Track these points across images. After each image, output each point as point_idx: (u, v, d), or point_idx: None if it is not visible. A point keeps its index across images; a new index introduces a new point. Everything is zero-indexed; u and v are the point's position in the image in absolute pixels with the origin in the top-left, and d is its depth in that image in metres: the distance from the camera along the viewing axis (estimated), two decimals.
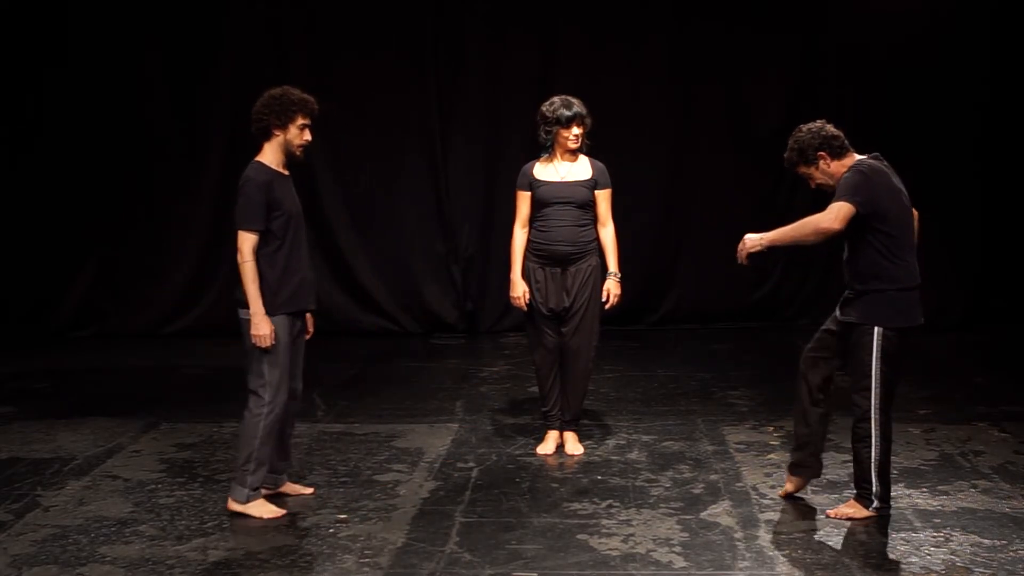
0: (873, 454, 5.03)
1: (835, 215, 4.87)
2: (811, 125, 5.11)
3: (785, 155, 5.15)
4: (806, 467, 5.34)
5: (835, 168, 5.05)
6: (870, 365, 4.97)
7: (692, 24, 9.59)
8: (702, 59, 9.60)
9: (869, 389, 4.99)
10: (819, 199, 5.22)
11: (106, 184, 9.60)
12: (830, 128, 5.08)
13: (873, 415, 5.00)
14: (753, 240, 5.10)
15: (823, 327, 5.24)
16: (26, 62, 9.48)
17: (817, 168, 5.08)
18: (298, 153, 5.21)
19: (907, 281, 4.97)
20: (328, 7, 9.56)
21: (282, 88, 5.22)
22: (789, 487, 5.40)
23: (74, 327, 9.76)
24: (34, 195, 9.61)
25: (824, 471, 5.75)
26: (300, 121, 5.16)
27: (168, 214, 9.66)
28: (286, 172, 5.24)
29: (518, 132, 9.03)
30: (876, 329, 4.95)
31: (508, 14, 9.57)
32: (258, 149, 5.22)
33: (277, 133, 5.16)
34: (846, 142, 5.08)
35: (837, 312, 5.14)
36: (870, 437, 5.02)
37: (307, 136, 5.21)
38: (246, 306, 5.10)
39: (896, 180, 5.03)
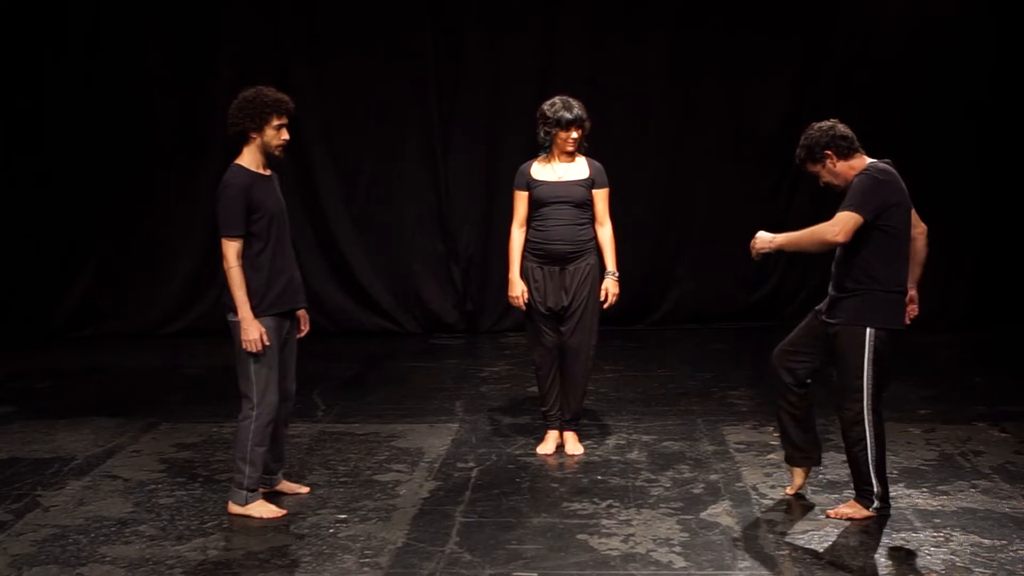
0: (870, 455, 5.03)
1: (840, 227, 4.86)
2: (822, 124, 5.10)
3: (796, 151, 5.16)
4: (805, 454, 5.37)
5: (841, 168, 5.04)
6: (862, 367, 4.97)
7: (693, 24, 9.57)
8: (702, 59, 9.59)
9: (861, 391, 4.98)
10: (819, 198, 5.21)
11: (106, 184, 9.60)
12: (841, 128, 5.06)
13: (866, 416, 5.00)
14: (764, 241, 5.09)
15: (801, 327, 5.25)
16: (26, 61, 9.47)
17: (824, 167, 5.08)
18: (277, 153, 5.19)
19: (895, 285, 4.98)
20: (328, 6, 9.56)
21: (255, 89, 5.18)
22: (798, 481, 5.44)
23: (74, 327, 9.75)
24: (34, 195, 9.60)
25: (824, 471, 5.76)
26: (276, 122, 5.13)
27: (168, 214, 9.66)
28: (267, 172, 5.22)
29: (518, 132, 9.02)
30: (868, 330, 4.96)
31: (508, 13, 9.56)
32: (237, 152, 5.20)
33: (254, 136, 5.14)
34: (856, 143, 5.06)
35: (823, 314, 5.13)
36: (865, 439, 5.02)
37: (284, 136, 5.18)
38: (233, 310, 5.10)
39: (903, 187, 5.02)
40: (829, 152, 5.03)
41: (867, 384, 4.97)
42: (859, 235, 4.93)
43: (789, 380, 5.23)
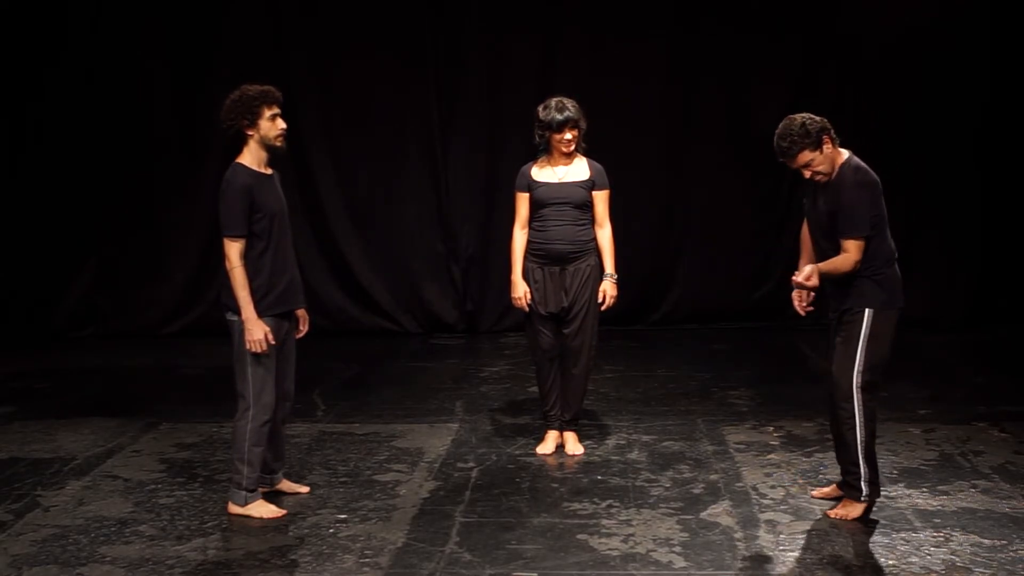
0: (858, 435, 5.02)
1: (856, 257, 4.92)
2: (793, 119, 5.03)
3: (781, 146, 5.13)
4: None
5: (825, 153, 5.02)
6: (856, 345, 4.99)
7: (693, 24, 9.56)
8: (702, 59, 9.58)
9: (852, 369, 4.99)
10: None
11: (106, 184, 9.60)
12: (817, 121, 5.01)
13: (855, 394, 4.99)
14: (809, 273, 4.98)
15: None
16: (26, 62, 9.46)
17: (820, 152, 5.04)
18: (278, 144, 5.18)
19: (885, 263, 5.01)
20: (328, 7, 9.56)
21: (239, 89, 5.18)
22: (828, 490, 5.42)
23: (74, 327, 9.74)
24: (34, 195, 9.59)
25: (824, 471, 5.77)
26: (268, 112, 5.13)
27: (168, 214, 9.65)
28: (268, 171, 5.21)
29: (518, 132, 9.00)
30: (867, 311, 4.98)
31: (508, 14, 9.56)
32: (238, 153, 5.19)
33: (251, 132, 5.13)
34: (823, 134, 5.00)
35: (832, 312, 5.15)
36: (853, 418, 5.01)
37: (281, 124, 5.17)
38: (232, 309, 5.10)
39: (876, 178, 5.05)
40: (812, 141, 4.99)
41: (859, 361, 4.98)
42: None
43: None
